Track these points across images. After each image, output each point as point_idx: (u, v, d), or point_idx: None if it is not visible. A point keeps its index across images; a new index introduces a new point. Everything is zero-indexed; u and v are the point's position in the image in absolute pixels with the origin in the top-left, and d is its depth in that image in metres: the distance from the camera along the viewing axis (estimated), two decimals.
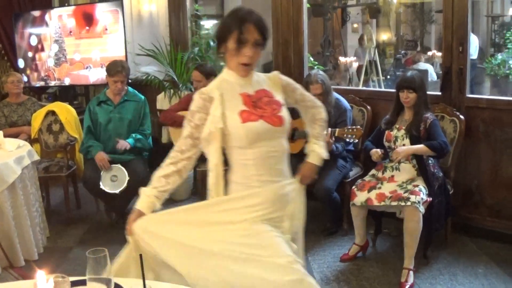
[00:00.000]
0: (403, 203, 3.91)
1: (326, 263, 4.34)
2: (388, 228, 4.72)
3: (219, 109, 2.39)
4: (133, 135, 5.13)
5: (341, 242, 4.70)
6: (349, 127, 4.40)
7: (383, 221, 4.58)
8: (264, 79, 2.57)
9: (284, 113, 2.52)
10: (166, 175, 2.49)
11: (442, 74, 4.83)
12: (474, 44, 11.31)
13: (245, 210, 2.39)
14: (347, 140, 4.38)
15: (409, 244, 3.98)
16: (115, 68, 5.04)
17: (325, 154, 2.83)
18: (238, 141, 2.41)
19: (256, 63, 2.46)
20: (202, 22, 7.30)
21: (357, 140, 4.40)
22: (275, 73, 2.63)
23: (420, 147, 4.08)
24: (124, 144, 5.02)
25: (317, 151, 2.83)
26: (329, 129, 4.38)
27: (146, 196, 2.48)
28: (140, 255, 1.87)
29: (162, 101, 6.31)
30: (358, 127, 4.37)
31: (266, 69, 9.76)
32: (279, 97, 2.55)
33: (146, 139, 5.24)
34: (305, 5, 5.67)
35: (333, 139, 4.41)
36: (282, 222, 2.48)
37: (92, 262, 1.77)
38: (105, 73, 5.20)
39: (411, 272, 3.96)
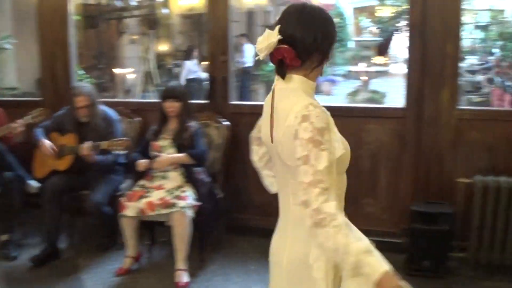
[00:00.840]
0: (171, 209, 4.00)
1: (101, 280, 4.26)
2: (165, 237, 4.75)
3: (335, 127, 1.89)
4: None
5: (116, 256, 4.61)
6: (116, 139, 4.38)
7: (160, 230, 4.61)
8: None
9: None
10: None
11: (208, 83, 5.00)
12: (250, 53, 11.92)
13: None
14: (115, 152, 4.37)
15: (179, 247, 4.08)
16: None
17: None
18: (345, 164, 1.96)
19: None
20: None
21: (125, 152, 4.39)
22: None
23: (181, 156, 4.22)
24: None
25: None
26: (91, 142, 4.38)
27: (376, 252, 1.75)
28: None
29: None
30: (125, 138, 4.38)
31: (39, 84, 9.35)
32: None
33: None
34: (71, 17, 5.52)
35: (94, 152, 4.40)
36: None
37: None
38: None
39: (184, 273, 4.09)
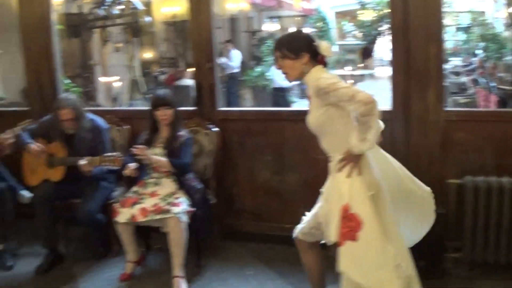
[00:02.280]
0: (166, 215, 3.99)
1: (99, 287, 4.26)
2: (158, 244, 4.72)
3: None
4: None
5: (113, 263, 4.61)
6: (109, 154, 4.28)
7: (154, 237, 4.60)
8: (311, 84, 3.07)
9: (311, 115, 3.10)
10: None
11: (196, 90, 4.97)
12: (236, 59, 11.94)
13: None
14: (109, 168, 4.32)
15: (176, 253, 4.06)
16: None
17: (362, 147, 2.96)
18: None
19: (291, 72, 3.13)
20: None
21: (118, 167, 4.33)
22: (314, 78, 3.05)
23: (162, 160, 4.22)
24: None
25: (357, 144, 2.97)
26: (89, 157, 4.30)
27: None
28: None
29: None
30: (118, 153, 4.30)
31: (25, 93, 9.28)
32: (314, 100, 3.05)
33: None
34: (54, 27, 5.50)
35: (93, 167, 4.33)
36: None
37: None
38: None
39: (182, 280, 4.08)
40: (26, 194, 4.84)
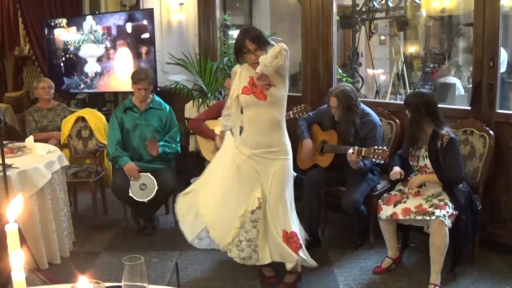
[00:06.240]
0: (428, 217, 3.89)
1: (352, 276, 4.32)
2: (415, 242, 4.68)
3: (237, 82, 3.81)
4: (161, 142, 5.14)
5: (367, 255, 4.68)
6: (376, 147, 4.32)
7: (411, 235, 4.55)
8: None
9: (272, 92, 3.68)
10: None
11: (472, 89, 4.77)
12: (502, 59, 11.19)
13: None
14: (373, 160, 4.36)
15: (435, 259, 3.95)
16: (139, 76, 5.07)
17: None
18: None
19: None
20: (230, 32, 7.33)
21: (383, 161, 4.36)
22: None
23: (432, 178, 4.07)
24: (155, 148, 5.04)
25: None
26: (356, 147, 4.37)
27: None
28: (176, 264, 1.84)
29: (191, 110, 6.36)
30: (384, 148, 4.30)
31: (293, 79, 9.77)
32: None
33: (175, 142, 5.23)
34: (335, 17, 5.68)
35: (360, 157, 4.39)
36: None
37: (129, 269, 1.78)
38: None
39: None
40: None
